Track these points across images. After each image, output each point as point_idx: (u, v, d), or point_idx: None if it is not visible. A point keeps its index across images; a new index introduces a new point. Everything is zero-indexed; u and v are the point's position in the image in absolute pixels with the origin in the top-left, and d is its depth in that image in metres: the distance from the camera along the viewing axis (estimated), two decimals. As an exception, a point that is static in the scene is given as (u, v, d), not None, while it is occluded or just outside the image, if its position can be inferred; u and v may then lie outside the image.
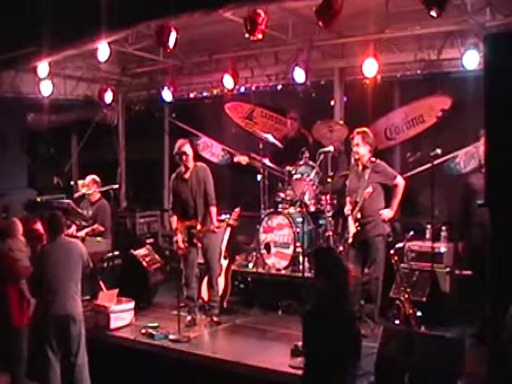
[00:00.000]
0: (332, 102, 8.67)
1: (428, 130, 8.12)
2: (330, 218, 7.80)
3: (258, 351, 6.22)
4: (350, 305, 4.45)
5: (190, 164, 7.04)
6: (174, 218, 7.14)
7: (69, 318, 5.70)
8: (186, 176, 7.06)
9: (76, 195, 8.98)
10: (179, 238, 6.98)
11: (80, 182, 10.46)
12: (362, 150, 6.56)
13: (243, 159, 8.56)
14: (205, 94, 10.20)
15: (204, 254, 7.15)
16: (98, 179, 8.44)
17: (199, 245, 7.02)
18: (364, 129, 6.69)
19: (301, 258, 7.05)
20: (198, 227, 6.91)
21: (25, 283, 5.94)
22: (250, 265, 8.12)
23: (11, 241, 6.08)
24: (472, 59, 6.86)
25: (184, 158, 7.00)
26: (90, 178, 8.43)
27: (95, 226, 8.14)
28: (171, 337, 6.57)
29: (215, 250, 7.18)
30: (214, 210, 6.99)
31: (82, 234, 8.04)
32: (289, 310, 7.43)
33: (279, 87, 9.37)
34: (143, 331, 6.77)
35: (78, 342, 5.78)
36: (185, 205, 7.05)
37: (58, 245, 5.85)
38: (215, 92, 9.96)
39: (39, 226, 6.41)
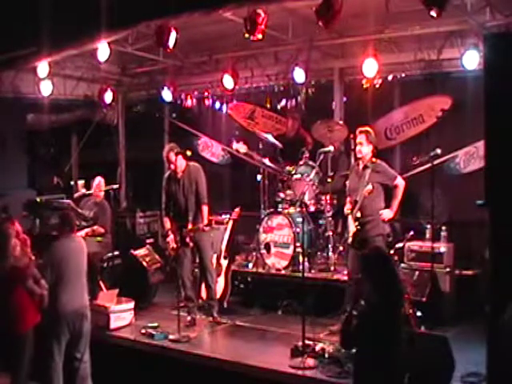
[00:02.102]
0: (333, 104, 8.67)
1: (428, 129, 8.13)
2: (330, 218, 7.80)
3: (258, 351, 6.23)
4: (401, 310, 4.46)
5: (179, 167, 7.10)
6: (167, 219, 7.18)
7: (83, 314, 5.80)
8: (178, 176, 7.11)
9: (76, 195, 8.98)
10: (171, 238, 7.02)
11: (80, 182, 10.47)
12: (365, 149, 6.55)
13: (241, 147, 8.55)
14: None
15: (197, 254, 7.17)
16: (103, 181, 8.46)
17: (191, 244, 7.02)
18: (367, 128, 6.68)
19: (301, 258, 7.05)
20: (189, 226, 6.94)
21: (31, 281, 5.91)
22: (250, 265, 8.12)
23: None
24: (472, 59, 6.86)
25: (171, 164, 7.12)
26: (99, 180, 8.41)
27: (95, 227, 8.13)
28: (171, 337, 6.57)
29: (207, 249, 7.17)
30: (205, 208, 7.04)
31: (81, 234, 8.03)
32: (289, 310, 7.42)
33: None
34: (143, 331, 6.78)
35: (87, 338, 5.86)
36: (176, 204, 7.09)
37: (71, 241, 5.92)
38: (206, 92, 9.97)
39: (18, 226, 6.37)
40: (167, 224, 7.18)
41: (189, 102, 10.20)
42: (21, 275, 5.81)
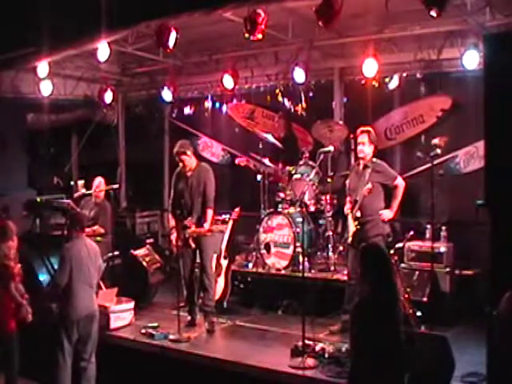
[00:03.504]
0: (333, 104, 8.68)
1: (428, 129, 8.13)
2: (330, 218, 7.81)
3: (258, 351, 6.22)
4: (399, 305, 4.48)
5: (189, 165, 6.98)
6: (172, 216, 7.09)
7: (93, 316, 5.86)
8: (188, 174, 7.01)
9: (76, 195, 8.97)
10: (174, 236, 6.96)
11: (80, 182, 10.47)
12: (368, 150, 6.55)
13: (241, 160, 8.55)
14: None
15: (199, 256, 7.09)
16: (103, 181, 8.44)
17: (193, 245, 6.96)
18: (369, 128, 6.67)
19: (301, 258, 7.05)
20: (193, 228, 6.86)
21: (14, 287, 5.88)
22: (250, 265, 8.12)
23: (4, 246, 5.90)
24: (472, 59, 6.86)
25: (181, 162, 6.98)
26: (99, 180, 8.40)
27: (95, 227, 8.12)
28: (171, 337, 6.57)
29: (208, 253, 7.05)
30: (210, 212, 6.91)
31: None
32: (289, 310, 7.42)
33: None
34: (143, 331, 6.78)
35: (95, 339, 5.92)
36: (182, 203, 6.99)
37: (82, 242, 5.95)
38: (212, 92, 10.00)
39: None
40: (171, 221, 7.10)
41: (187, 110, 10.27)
42: (11, 275, 5.79)
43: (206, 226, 6.84)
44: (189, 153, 6.96)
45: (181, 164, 7.00)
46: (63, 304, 5.77)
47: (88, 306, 5.81)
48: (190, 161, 6.99)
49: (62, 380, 5.77)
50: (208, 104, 10.30)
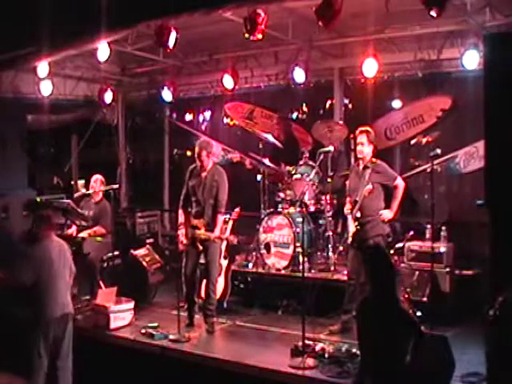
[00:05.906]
0: (333, 101, 8.69)
1: (428, 129, 8.13)
2: (330, 218, 7.81)
3: (258, 351, 6.22)
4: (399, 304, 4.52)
5: (206, 165, 6.88)
6: (182, 212, 7.01)
7: (69, 316, 5.74)
8: (203, 174, 6.92)
9: (76, 195, 8.97)
10: (182, 232, 6.91)
11: (80, 182, 10.47)
12: (367, 150, 6.54)
13: (233, 156, 8.53)
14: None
15: (205, 259, 7.02)
16: (103, 179, 8.42)
17: (200, 247, 6.91)
18: (367, 128, 6.67)
19: (301, 258, 7.05)
20: (202, 230, 6.78)
21: None
22: (250, 265, 8.12)
23: None
24: (472, 59, 6.86)
25: (200, 161, 6.88)
26: (96, 177, 8.39)
27: (96, 228, 8.10)
28: (171, 337, 6.57)
29: (215, 259, 6.96)
30: (220, 218, 6.83)
31: (84, 234, 8.01)
32: (289, 310, 7.42)
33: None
34: (143, 331, 6.77)
35: (69, 341, 5.75)
36: (194, 202, 6.94)
37: (51, 243, 5.80)
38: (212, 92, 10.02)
39: None
40: (181, 217, 7.01)
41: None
42: None
43: (217, 231, 6.75)
44: (209, 153, 6.90)
45: (199, 163, 6.89)
46: (37, 306, 5.58)
47: (63, 306, 5.66)
48: (208, 161, 6.92)
49: (39, 379, 5.56)
50: (208, 104, 10.32)
